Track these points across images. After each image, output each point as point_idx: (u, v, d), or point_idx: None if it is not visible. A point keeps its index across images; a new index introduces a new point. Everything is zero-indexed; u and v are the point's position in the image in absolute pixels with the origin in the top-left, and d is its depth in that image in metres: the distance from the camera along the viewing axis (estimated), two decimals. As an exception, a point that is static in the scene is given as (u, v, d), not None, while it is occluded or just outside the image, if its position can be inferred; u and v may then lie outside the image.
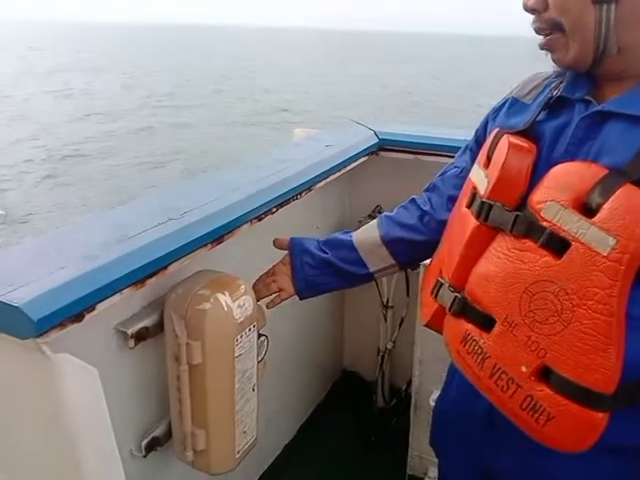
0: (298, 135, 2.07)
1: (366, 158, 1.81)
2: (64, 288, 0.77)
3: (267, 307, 1.22)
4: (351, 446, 2.01)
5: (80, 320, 0.80)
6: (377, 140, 1.83)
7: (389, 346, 2.10)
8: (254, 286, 1.21)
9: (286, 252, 1.20)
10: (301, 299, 1.20)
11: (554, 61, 0.80)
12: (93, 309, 0.82)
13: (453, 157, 1.19)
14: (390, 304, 2.06)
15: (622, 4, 0.70)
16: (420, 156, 1.81)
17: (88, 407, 0.83)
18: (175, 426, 1.15)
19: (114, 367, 1.04)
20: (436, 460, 1.70)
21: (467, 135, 1.65)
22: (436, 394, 1.65)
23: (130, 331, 1.04)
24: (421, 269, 1.58)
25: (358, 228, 1.21)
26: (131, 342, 1.05)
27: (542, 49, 0.80)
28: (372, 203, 1.96)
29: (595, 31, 0.72)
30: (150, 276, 0.92)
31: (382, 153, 1.87)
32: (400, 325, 2.05)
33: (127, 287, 0.88)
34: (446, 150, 1.72)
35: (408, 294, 1.98)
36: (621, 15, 0.70)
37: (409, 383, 1.96)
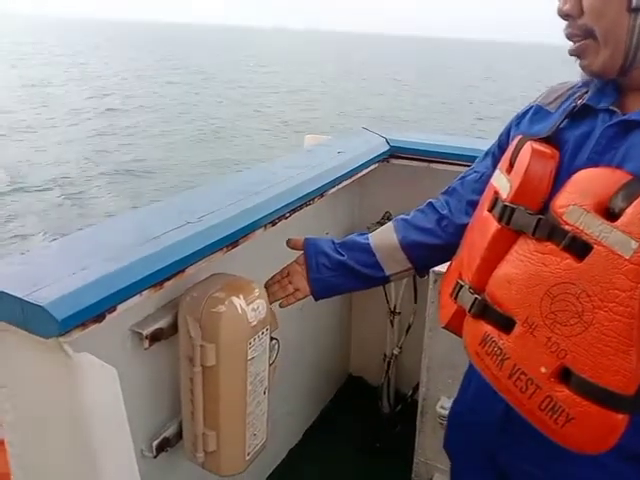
0: (309, 141, 2.09)
1: (377, 165, 1.83)
2: (87, 289, 0.79)
3: (280, 306, 1.22)
4: (356, 451, 2.01)
5: (101, 320, 0.81)
6: (388, 147, 1.85)
7: (395, 352, 2.11)
8: (269, 287, 1.22)
9: (300, 253, 1.21)
10: (316, 299, 1.20)
11: (582, 67, 0.81)
12: (114, 310, 0.83)
13: (464, 165, 1.20)
14: (397, 310, 2.08)
15: None
16: (431, 164, 1.83)
17: (107, 406, 0.85)
18: (186, 427, 1.17)
19: (128, 367, 1.05)
20: (441, 466, 1.72)
21: (479, 144, 1.68)
22: (443, 400, 1.67)
23: (145, 332, 1.06)
24: (430, 276, 1.59)
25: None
26: (146, 343, 1.07)
27: (572, 54, 0.81)
28: (381, 210, 1.98)
29: (627, 39, 0.73)
30: (168, 278, 0.94)
31: (393, 160, 1.89)
32: (407, 331, 2.06)
33: (146, 289, 0.89)
34: (457, 158, 1.74)
35: (416, 301, 2.00)
36: None
37: (415, 389, 1.97)
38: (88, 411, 0.82)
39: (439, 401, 1.66)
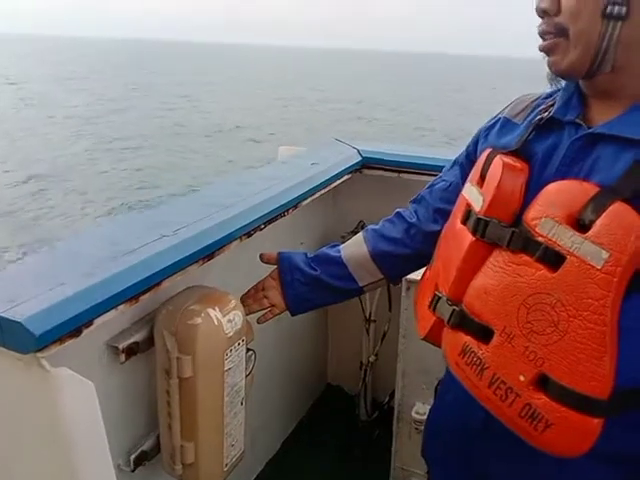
0: (283, 153, 2.12)
1: (350, 176, 1.86)
2: (64, 304, 0.79)
3: (258, 322, 1.24)
4: (334, 460, 2.03)
5: (78, 335, 0.82)
6: (360, 158, 1.89)
7: (371, 359, 2.14)
8: (244, 300, 1.22)
9: (273, 267, 1.22)
10: (292, 315, 1.21)
11: (550, 64, 0.83)
12: (91, 324, 0.84)
13: (433, 175, 1.23)
14: (373, 318, 2.10)
15: (628, 25, 0.74)
16: (402, 174, 1.87)
17: (85, 420, 0.85)
18: (164, 440, 1.17)
19: (105, 382, 1.05)
20: (418, 471, 1.75)
21: (449, 154, 1.72)
22: (418, 406, 1.70)
23: (121, 346, 1.06)
24: (403, 284, 1.63)
25: (342, 243, 1.23)
26: (122, 357, 1.07)
27: (541, 51, 0.83)
28: (355, 219, 2.01)
29: (597, 43, 0.75)
30: (144, 292, 0.95)
31: (365, 171, 1.92)
32: (382, 339, 2.08)
33: (122, 303, 0.90)
34: (427, 169, 1.78)
35: (390, 309, 2.03)
36: (625, 34, 0.74)
37: (391, 396, 2.00)
38: (66, 426, 0.82)
39: (414, 407, 1.69)
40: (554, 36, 0.79)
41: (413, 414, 1.68)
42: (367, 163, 1.90)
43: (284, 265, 1.19)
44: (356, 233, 1.24)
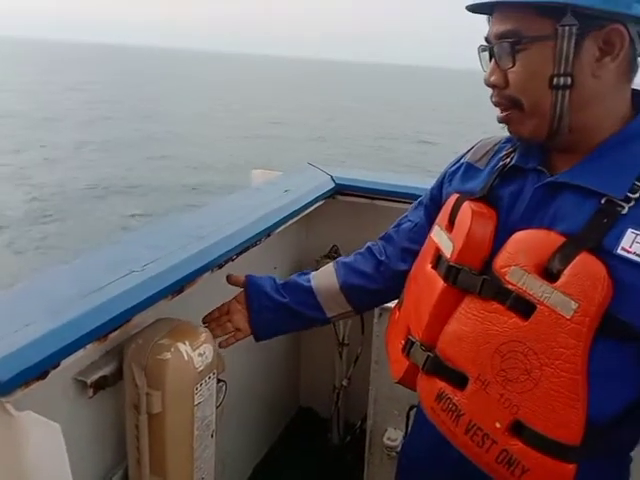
0: (257, 176, 2.13)
1: (323, 202, 1.88)
2: (30, 347, 0.79)
3: (220, 346, 1.22)
4: None
5: (44, 377, 0.81)
6: (334, 185, 1.91)
7: (344, 383, 2.14)
8: (207, 324, 1.21)
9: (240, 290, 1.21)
10: (257, 341, 1.22)
11: (511, 133, 0.87)
12: (57, 365, 0.83)
13: (406, 202, 1.26)
14: (346, 342, 2.11)
15: (576, 90, 0.77)
16: (374, 200, 1.90)
17: (51, 463, 0.84)
18: (132, 473, 1.16)
19: (72, 416, 1.04)
20: (390, 497, 1.75)
21: (419, 182, 1.76)
22: (390, 432, 1.71)
23: (89, 381, 1.05)
24: (375, 311, 1.64)
25: (315, 268, 1.24)
26: (90, 391, 1.06)
27: (500, 122, 0.86)
28: (329, 244, 2.03)
29: (551, 112, 0.79)
30: (113, 330, 0.95)
31: (339, 197, 1.95)
32: (355, 362, 2.10)
33: (91, 342, 0.90)
34: (399, 196, 1.82)
35: (363, 332, 2.04)
36: (575, 99, 0.78)
37: (363, 420, 2.00)
38: (31, 469, 0.81)
39: (386, 432, 1.70)
40: (508, 107, 0.83)
41: (385, 440, 1.69)
42: (340, 189, 1.93)
43: (252, 290, 1.19)
44: (330, 257, 1.25)
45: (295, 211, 1.64)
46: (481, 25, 0.86)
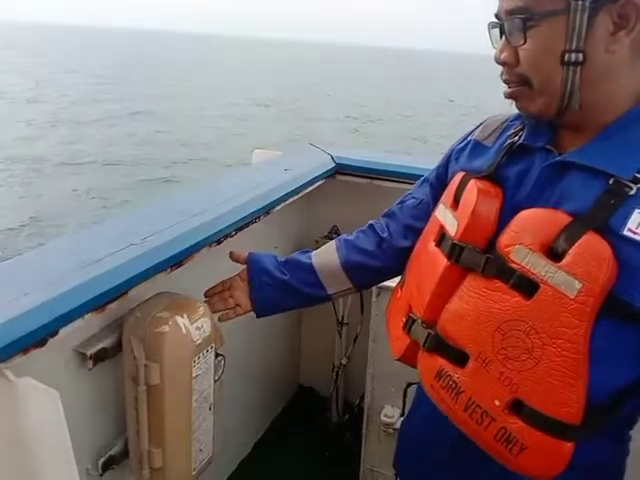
0: (257, 156, 2.13)
1: (323, 181, 1.88)
2: (28, 315, 0.80)
3: (219, 320, 1.23)
4: (305, 461, 2.05)
5: (43, 345, 0.83)
6: (334, 164, 1.91)
7: (344, 362, 2.17)
8: (209, 297, 1.22)
9: (243, 267, 1.22)
10: (258, 317, 1.22)
11: (519, 109, 0.85)
12: (56, 333, 0.85)
13: (405, 182, 1.25)
14: (345, 321, 2.13)
15: (588, 67, 0.76)
16: (374, 180, 1.90)
17: (49, 429, 0.85)
18: (132, 444, 1.18)
19: (73, 387, 1.06)
20: (387, 473, 1.78)
21: (419, 162, 1.76)
22: (387, 409, 1.73)
23: (89, 352, 1.07)
24: (374, 289, 1.65)
25: (315, 248, 1.24)
26: (90, 363, 1.07)
27: (507, 98, 0.85)
28: (329, 224, 2.03)
29: (561, 89, 0.77)
30: (111, 301, 0.96)
31: (339, 176, 1.95)
32: (354, 341, 2.12)
33: (89, 312, 0.91)
34: (398, 176, 1.81)
35: (362, 312, 2.06)
36: (586, 76, 0.76)
37: (362, 398, 2.02)
38: (30, 435, 0.83)
39: (383, 410, 1.72)
40: (517, 85, 0.81)
41: (382, 417, 1.71)
42: (340, 169, 1.93)
43: (253, 267, 1.20)
44: (330, 237, 1.25)
45: (295, 189, 1.64)
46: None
